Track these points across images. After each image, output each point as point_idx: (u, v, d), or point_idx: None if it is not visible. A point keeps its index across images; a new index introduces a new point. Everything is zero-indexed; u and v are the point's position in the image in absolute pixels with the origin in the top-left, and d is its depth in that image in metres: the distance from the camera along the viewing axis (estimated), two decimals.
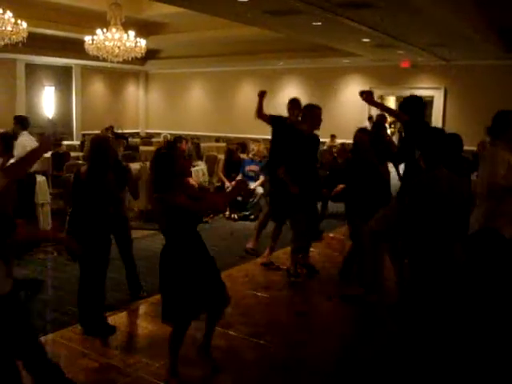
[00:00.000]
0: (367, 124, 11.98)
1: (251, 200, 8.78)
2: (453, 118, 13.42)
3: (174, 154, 3.37)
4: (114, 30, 10.80)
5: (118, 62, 11.83)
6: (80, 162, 8.86)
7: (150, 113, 19.69)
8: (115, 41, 10.85)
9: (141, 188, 6.89)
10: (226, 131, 16.65)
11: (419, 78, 14.11)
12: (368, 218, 4.64)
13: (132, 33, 11.06)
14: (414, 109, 4.98)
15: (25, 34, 10.07)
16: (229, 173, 9.26)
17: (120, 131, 15.15)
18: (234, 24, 10.70)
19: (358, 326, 4.77)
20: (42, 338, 4.02)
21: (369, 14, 7.88)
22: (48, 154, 9.58)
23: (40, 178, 7.11)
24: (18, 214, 5.74)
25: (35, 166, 6.77)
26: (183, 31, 13.49)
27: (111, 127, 14.19)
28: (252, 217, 8.70)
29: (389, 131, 12.01)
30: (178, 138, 9.00)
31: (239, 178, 9.08)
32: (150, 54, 14.98)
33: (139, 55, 11.52)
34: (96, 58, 11.72)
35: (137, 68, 18.05)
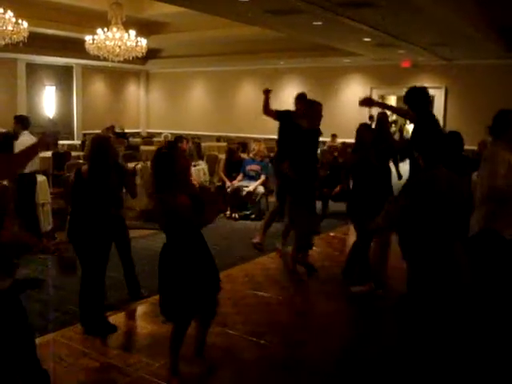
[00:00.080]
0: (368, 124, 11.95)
1: (252, 199, 8.79)
2: (454, 118, 13.40)
3: (174, 154, 3.37)
4: (114, 29, 10.79)
5: (118, 62, 11.82)
6: (81, 161, 8.87)
7: (151, 112, 19.70)
8: (116, 40, 10.84)
9: (140, 187, 6.88)
10: (226, 131, 16.65)
11: (420, 78, 14.08)
12: (370, 217, 4.65)
13: (133, 32, 11.05)
14: (419, 100, 4.93)
15: (25, 34, 10.06)
16: (230, 172, 9.26)
17: (121, 131, 15.16)
18: (234, 24, 10.70)
19: (357, 326, 4.77)
20: (43, 337, 4.04)
21: (370, 14, 7.87)
22: (49, 154, 9.61)
23: (41, 178, 7.12)
24: (18, 213, 5.77)
25: (35, 166, 6.80)
26: (184, 31, 13.48)
27: (112, 127, 14.19)
28: (253, 216, 8.71)
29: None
30: (179, 138, 9.00)
31: (240, 177, 9.12)
32: (151, 54, 14.97)
33: (140, 55, 11.51)
34: (97, 58, 11.72)
35: (138, 67, 18.05)
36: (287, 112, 5.98)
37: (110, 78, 18.46)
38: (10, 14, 9.67)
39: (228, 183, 9.03)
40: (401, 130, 9.63)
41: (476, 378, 3.56)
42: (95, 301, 4.27)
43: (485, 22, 9.29)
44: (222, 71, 17.46)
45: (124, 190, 4.77)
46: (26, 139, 6.63)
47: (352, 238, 6.32)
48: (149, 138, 16.24)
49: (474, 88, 13.34)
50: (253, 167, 9.09)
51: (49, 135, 3.28)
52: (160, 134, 16.62)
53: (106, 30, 10.84)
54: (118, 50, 10.97)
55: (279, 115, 5.99)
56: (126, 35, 10.92)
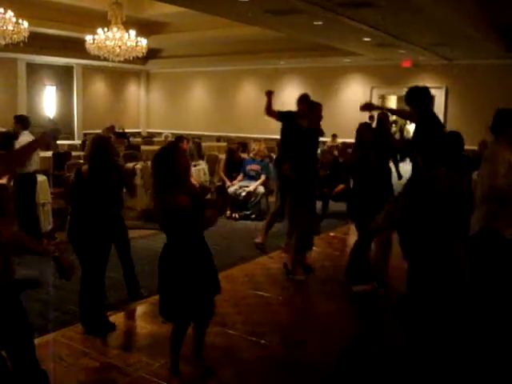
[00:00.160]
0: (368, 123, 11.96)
1: (252, 200, 8.79)
2: (454, 118, 13.41)
3: (174, 153, 3.36)
4: (115, 29, 10.80)
5: (119, 62, 11.83)
6: (81, 161, 8.86)
7: (151, 112, 19.71)
8: (116, 40, 10.86)
9: (140, 187, 6.89)
10: (227, 131, 16.66)
11: (421, 78, 14.08)
12: (370, 216, 4.64)
13: (133, 32, 11.06)
14: (421, 100, 4.92)
15: (26, 34, 10.08)
16: (230, 172, 9.27)
17: (121, 130, 15.16)
18: (234, 23, 10.71)
19: (358, 326, 4.77)
20: (43, 337, 4.04)
21: (370, 13, 7.88)
22: (49, 154, 9.61)
23: (41, 178, 7.12)
24: (18, 213, 5.76)
25: (36, 166, 6.80)
26: (184, 31, 13.50)
27: (112, 127, 14.16)
28: (253, 216, 8.71)
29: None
30: (180, 138, 9.00)
31: (240, 177, 9.12)
32: (151, 54, 14.98)
33: (140, 55, 11.52)
34: (97, 58, 11.73)
35: (138, 67, 18.06)
36: (289, 113, 6.00)
37: (111, 78, 18.47)
38: (10, 13, 9.69)
39: (228, 183, 9.04)
40: (401, 129, 9.65)
41: (476, 378, 3.56)
42: (95, 300, 4.27)
43: (485, 22, 9.29)
44: (222, 71, 17.47)
45: (124, 190, 4.77)
46: (26, 139, 6.62)
47: (352, 237, 6.33)
48: (149, 138, 16.24)
49: (474, 88, 13.35)
50: (253, 167, 9.09)
51: (49, 135, 3.28)
52: (160, 133, 16.65)
53: (106, 29, 10.85)
54: (118, 49, 10.98)
55: (281, 116, 6.01)
56: (126, 35, 10.93)
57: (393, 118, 14.32)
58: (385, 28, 9.05)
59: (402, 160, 7.41)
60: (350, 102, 15.18)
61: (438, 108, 13.88)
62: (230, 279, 5.62)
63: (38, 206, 6.94)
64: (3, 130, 8.28)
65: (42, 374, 2.78)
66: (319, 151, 8.29)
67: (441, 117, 13.96)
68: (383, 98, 16.34)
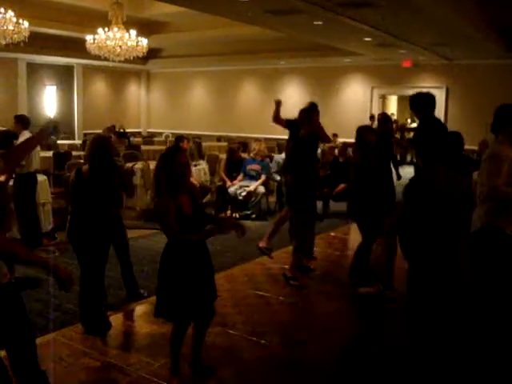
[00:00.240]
0: (368, 123, 11.96)
1: (252, 199, 8.79)
2: (454, 117, 13.40)
3: (174, 156, 3.36)
4: (115, 29, 10.81)
5: (119, 62, 11.84)
6: (81, 161, 8.87)
7: (152, 112, 19.71)
8: (117, 40, 10.86)
9: (140, 187, 6.88)
10: (227, 130, 16.66)
11: (421, 77, 14.08)
12: (370, 216, 4.65)
13: (133, 32, 11.07)
14: (426, 106, 4.94)
15: (26, 34, 10.08)
16: (230, 172, 9.27)
17: (122, 130, 15.17)
18: (235, 23, 10.71)
19: (358, 326, 4.77)
20: (43, 337, 4.04)
21: (370, 13, 7.88)
22: (49, 154, 9.62)
23: (41, 178, 7.12)
24: (18, 213, 5.76)
25: (36, 165, 6.80)
26: (185, 30, 13.50)
27: (113, 126, 14.20)
28: (253, 216, 8.71)
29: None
30: (180, 138, 9.00)
31: (240, 177, 9.12)
32: (152, 54, 14.98)
33: (141, 54, 11.52)
34: (98, 58, 11.74)
35: (138, 67, 18.06)
36: (295, 121, 6.01)
37: (111, 78, 18.47)
38: (10, 13, 9.69)
39: (229, 183, 9.04)
40: (402, 130, 9.65)
41: (477, 378, 3.56)
42: (95, 300, 4.27)
43: (485, 22, 9.29)
44: (222, 71, 17.47)
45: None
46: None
47: (353, 237, 6.32)
48: (149, 138, 16.25)
49: (474, 88, 13.34)
50: (253, 167, 9.09)
51: (46, 130, 3.27)
52: (161, 133, 16.66)
53: (106, 29, 10.86)
54: (118, 49, 10.99)
55: (288, 124, 6.02)
56: (126, 35, 10.94)
57: (394, 117, 14.31)
58: (385, 28, 9.05)
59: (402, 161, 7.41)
60: (351, 102, 15.20)
61: (438, 108, 13.80)
62: (229, 279, 5.63)
63: (39, 206, 6.95)
64: (3, 129, 8.27)
65: (41, 375, 2.77)
66: (319, 151, 8.28)
67: (441, 117, 13.98)
68: (383, 97, 16.33)
